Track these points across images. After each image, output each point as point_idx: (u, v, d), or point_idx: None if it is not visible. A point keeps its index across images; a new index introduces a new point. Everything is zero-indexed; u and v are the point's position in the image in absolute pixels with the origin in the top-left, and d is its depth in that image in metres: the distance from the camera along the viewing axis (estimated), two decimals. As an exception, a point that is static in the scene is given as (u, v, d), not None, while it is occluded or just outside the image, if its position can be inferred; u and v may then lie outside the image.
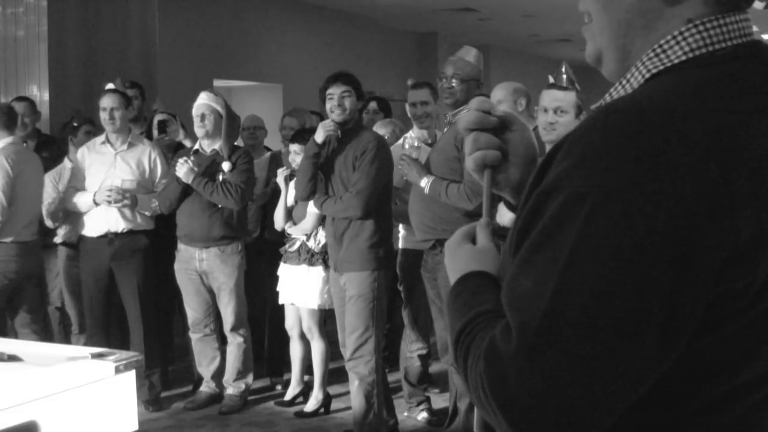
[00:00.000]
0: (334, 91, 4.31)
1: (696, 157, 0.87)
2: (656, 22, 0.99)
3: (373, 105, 5.99)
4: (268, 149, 6.28)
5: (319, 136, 4.30)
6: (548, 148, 3.81)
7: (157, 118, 5.82)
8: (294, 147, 5.02)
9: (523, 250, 0.92)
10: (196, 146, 5.10)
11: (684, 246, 0.85)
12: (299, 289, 4.92)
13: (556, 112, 3.66)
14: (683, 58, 0.96)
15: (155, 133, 5.80)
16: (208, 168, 4.95)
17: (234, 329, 5.10)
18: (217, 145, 5.00)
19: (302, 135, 5.12)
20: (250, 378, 5.21)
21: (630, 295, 0.84)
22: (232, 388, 5.15)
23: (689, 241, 0.85)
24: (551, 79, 3.81)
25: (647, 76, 0.98)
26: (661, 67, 0.97)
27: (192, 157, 4.95)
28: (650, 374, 0.87)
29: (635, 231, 0.84)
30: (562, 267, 0.86)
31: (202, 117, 4.94)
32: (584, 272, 0.85)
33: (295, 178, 4.69)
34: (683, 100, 0.91)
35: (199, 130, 4.99)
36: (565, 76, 3.71)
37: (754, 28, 1.01)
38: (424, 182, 4.15)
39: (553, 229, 0.88)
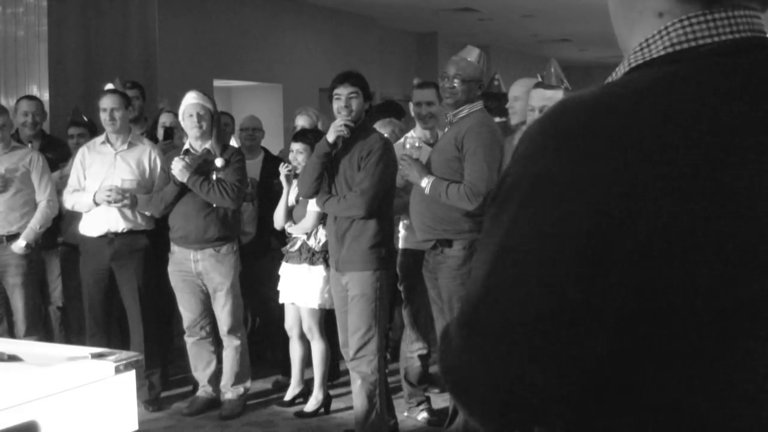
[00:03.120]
0: (342, 92, 4.30)
1: (611, 152, 0.86)
2: (630, 12, 0.99)
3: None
4: (266, 150, 6.26)
5: (331, 136, 4.28)
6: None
7: (162, 119, 5.81)
8: (296, 146, 5.01)
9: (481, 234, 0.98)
10: (186, 146, 5.02)
11: (593, 236, 0.85)
12: (300, 288, 4.91)
13: (542, 112, 3.66)
14: (662, 52, 0.94)
15: (160, 132, 5.79)
16: (201, 166, 4.90)
17: (231, 332, 5.04)
18: (208, 144, 4.96)
19: (305, 134, 5.11)
20: (248, 382, 5.17)
21: (545, 284, 0.86)
22: (230, 393, 5.09)
23: (598, 233, 0.85)
24: (539, 78, 3.81)
25: (626, 69, 0.97)
26: (641, 61, 0.96)
27: (186, 157, 4.91)
28: (572, 362, 0.89)
29: (550, 220, 0.87)
30: (493, 253, 0.90)
31: (199, 117, 4.89)
32: (508, 259, 0.89)
33: (298, 176, 4.68)
34: (626, 95, 0.90)
35: (194, 130, 4.91)
36: (553, 75, 3.72)
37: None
38: (425, 182, 4.15)
39: (494, 216, 0.93)
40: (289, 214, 4.99)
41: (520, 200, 0.89)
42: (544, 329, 0.87)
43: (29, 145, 5.58)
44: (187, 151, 4.98)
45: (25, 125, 5.73)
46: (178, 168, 4.82)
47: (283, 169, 5.05)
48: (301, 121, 5.93)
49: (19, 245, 5.12)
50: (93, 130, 5.79)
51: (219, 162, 4.90)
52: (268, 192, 5.59)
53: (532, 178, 0.89)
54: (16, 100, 6.05)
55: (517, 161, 0.93)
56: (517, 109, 4.73)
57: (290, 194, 5.01)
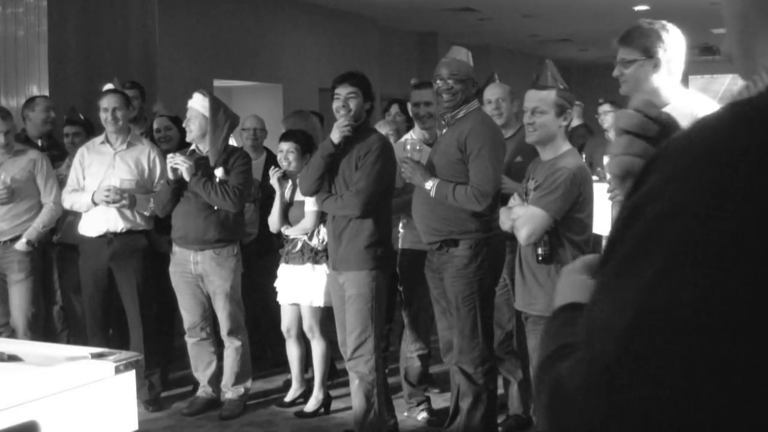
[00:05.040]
0: (341, 92, 4.31)
1: None
2: None
3: (395, 108, 5.90)
4: (268, 150, 6.26)
5: (336, 137, 4.27)
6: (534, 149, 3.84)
7: (156, 125, 5.81)
8: (285, 146, 4.99)
9: (605, 270, 0.81)
10: (192, 147, 5.02)
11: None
12: (303, 288, 4.89)
13: (533, 113, 3.67)
14: None
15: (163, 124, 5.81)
16: (204, 169, 4.88)
17: (231, 333, 5.03)
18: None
19: (293, 134, 5.09)
20: (249, 382, 5.16)
21: (710, 353, 0.70)
22: (231, 393, 5.09)
23: None
24: (536, 78, 3.81)
25: None
26: None
27: (182, 156, 4.88)
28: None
29: (723, 273, 0.70)
30: (635, 307, 0.74)
31: (188, 121, 4.92)
32: (655, 321, 0.72)
33: (300, 174, 4.66)
34: None
35: (188, 135, 4.98)
36: (549, 75, 3.72)
37: None
38: (430, 185, 4.11)
39: (634, 254, 0.76)
40: (285, 216, 4.97)
41: (674, 241, 0.73)
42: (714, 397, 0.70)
43: (38, 142, 5.62)
44: (192, 152, 4.99)
45: (46, 122, 5.77)
46: (184, 167, 4.80)
47: (273, 173, 5.02)
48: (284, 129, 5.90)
49: (21, 242, 5.13)
50: (90, 129, 5.80)
51: (219, 173, 4.86)
52: (269, 193, 5.57)
53: (698, 215, 0.72)
54: (26, 100, 6.06)
55: (665, 186, 0.76)
56: (503, 110, 4.81)
57: (285, 195, 4.98)
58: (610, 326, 0.75)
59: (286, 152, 4.97)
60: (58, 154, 5.70)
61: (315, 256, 4.85)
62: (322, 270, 4.83)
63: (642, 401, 0.71)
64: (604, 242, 5.35)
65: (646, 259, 0.75)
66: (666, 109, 3.52)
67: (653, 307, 0.73)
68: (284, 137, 5.09)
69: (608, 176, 3.26)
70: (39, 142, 5.67)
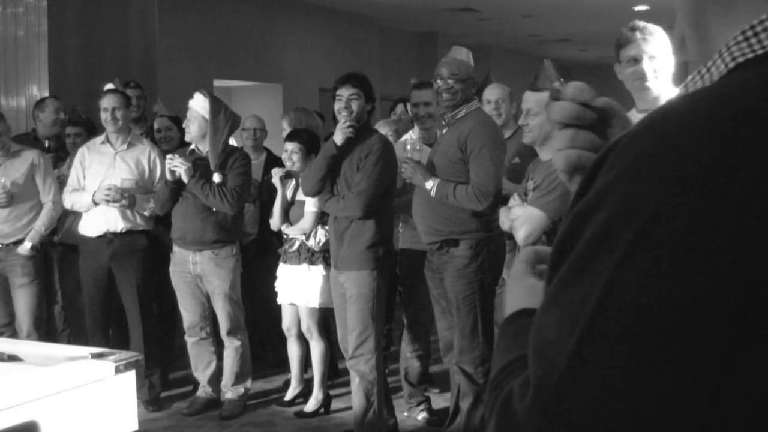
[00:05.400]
0: (343, 93, 4.32)
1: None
2: None
3: (400, 107, 5.89)
4: (268, 150, 6.25)
5: (339, 138, 4.29)
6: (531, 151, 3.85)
7: (156, 125, 5.81)
8: (290, 146, 5.00)
9: (553, 281, 0.74)
10: (192, 146, 5.03)
11: (749, 299, 0.62)
12: (300, 288, 4.91)
13: (527, 114, 3.68)
14: None
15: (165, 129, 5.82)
16: (202, 170, 4.89)
17: (230, 333, 5.04)
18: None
19: (299, 134, 5.10)
20: (249, 382, 5.17)
21: (670, 366, 0.63)
22: (231, 393, 5.09)
23: (753, 293, 0.62)
24: (534, 78, 3.81)
25: (731, 65, 0.74)
26: (750, 56, 0.72)
27: (180, 156, 4.89)
28: None
29: (686, 275, 0.64)
30: (589, 314, 0.67)
31: (187, 122, 4.94)
32: (612, 325, 0.65)
33: (303, 174, 4.67)
34: (761, 102, 0.68)
35: (187, 135, 5.00)
36: (547, 76, 3.72)
37: None
38: (430, 185, 4.12)
39: (585, 260, 0.69)
40: (286, 215, 4.98)
41: (631, 243, 0.66)
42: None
43: (45, 142, 5.62)
44: (192, 152, 5.01)
45: (55, 123, 5.79)
46: (182, 169, 4.81)
47: (275, 172, 5.02)
48: (285, 124, 5.90)
49: (25, 247, 5.13)
50: (91, 129, 5.80)
51: (217, 178, 4.86)
52: (271, 192, 5.57)
53: (655, 214, 0.65)
54: (36, 101, 6.08)
55: (617, 186, 0.69)
56: (502, 110, 4.90)
57: (287, 194, 5.00)
58: (558, 343, 0.69)
59: (290, 152, 4.98)
60: (64, 155, 5.70)
61: (311, 256, 4.86)
62: (318, 271, 4.84)
63: (591, 427, 0.65)
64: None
65: (594, 270, 0.68)
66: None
67: (601, 326, 0.66)
68: (289, 137, 5.10)
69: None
70: (46, 143, 5.68)
